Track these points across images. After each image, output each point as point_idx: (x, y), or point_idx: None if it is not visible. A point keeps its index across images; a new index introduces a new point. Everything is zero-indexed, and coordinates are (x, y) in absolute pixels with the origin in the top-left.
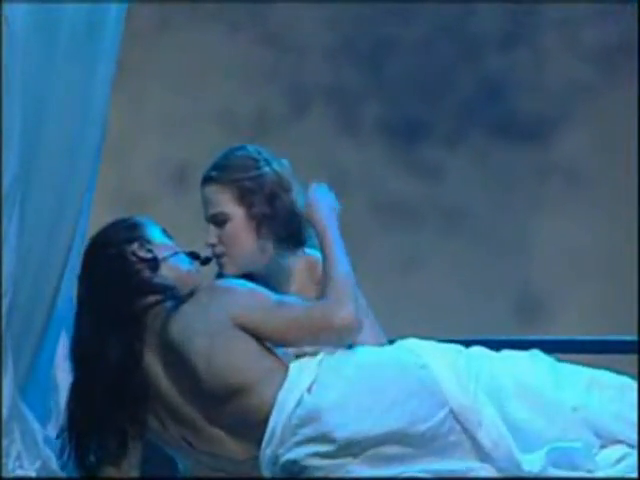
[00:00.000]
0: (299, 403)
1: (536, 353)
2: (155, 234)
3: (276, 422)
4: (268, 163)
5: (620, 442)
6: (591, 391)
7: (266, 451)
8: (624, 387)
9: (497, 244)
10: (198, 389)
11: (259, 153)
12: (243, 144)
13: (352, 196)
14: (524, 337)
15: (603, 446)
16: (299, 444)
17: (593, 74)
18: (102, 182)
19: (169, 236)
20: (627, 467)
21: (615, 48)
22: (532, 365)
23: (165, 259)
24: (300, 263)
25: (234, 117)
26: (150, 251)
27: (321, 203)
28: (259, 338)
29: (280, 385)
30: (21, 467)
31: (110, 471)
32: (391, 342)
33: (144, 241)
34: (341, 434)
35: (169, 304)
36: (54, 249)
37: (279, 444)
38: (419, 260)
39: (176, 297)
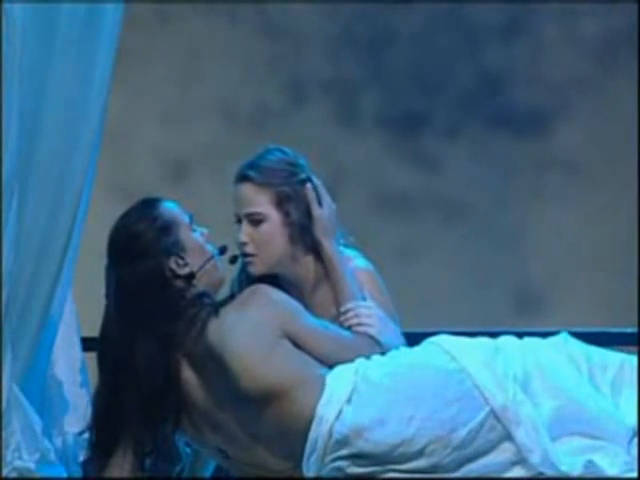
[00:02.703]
0: (339, 416)
1: (567, 338)
2: (186, 234)
3: (317, 435)
4: (304, 169)
5: None
6: (624, 371)
7: (310, 460)
8: None
9: (496, 236)
10: (233, 393)
11: (296, 158)
12: (280, 146)
13: (351, 187)
14: (523, 329)
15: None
16: (343, 458)
17: (592, 66)
18: (100, 173)
19: (195, 226)
20: None
21: (615, 40)
22: (565, 355)
23: (199, 270)
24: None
25: (233, 108)
26: (186, 264)
27: (329, 223)
28: (297, 345)
29: (318, 395)
30: (20, 458)
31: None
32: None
33: (180, 250)
34: (384, 448)
35: (206, 311)
36: (53, 240)
37: (321, 457)
38: (418, 251)
39: (212, 303)
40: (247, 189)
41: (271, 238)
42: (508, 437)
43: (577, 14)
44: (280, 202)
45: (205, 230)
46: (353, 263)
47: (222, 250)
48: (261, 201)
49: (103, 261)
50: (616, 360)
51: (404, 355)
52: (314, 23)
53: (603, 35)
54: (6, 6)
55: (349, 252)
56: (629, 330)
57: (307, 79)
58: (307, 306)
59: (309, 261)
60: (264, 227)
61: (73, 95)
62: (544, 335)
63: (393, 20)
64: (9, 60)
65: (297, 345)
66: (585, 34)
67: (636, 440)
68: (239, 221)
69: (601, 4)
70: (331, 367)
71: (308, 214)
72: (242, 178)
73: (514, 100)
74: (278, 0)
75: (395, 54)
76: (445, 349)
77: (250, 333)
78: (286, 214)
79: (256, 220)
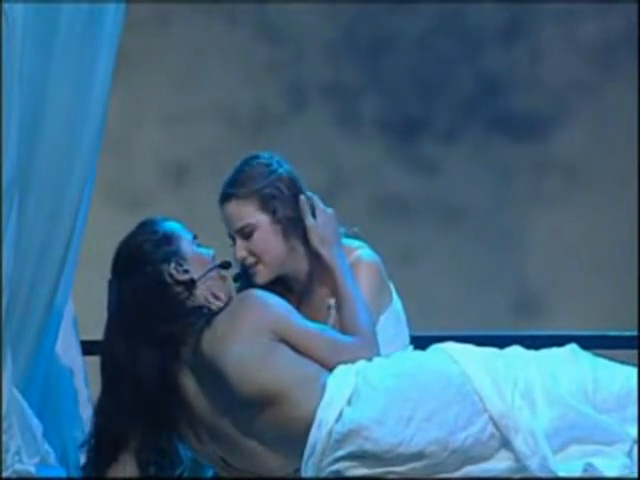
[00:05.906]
0: (339, 417)
1: (576, 350)
2: (188, 246)
3: (316, 438)
4: (281, 165)
5: None
6: (631, 385)
7: (308, 464)
8: None
9: (495, 239)
10: (232, 400)
11: (270, 157)
12: (255, 153)
13: (351, 191)
14: (522, 332)
15: None
16: (341, 459)
17: (592, 69)
18: (100, 176)
19: (199, 242)
20: None
21: (614, 42)
22: (571, 366)
23: (200, 278)
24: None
25: (233, 112)
26: (186, 271)
27: (325, 231)
28: (293, 348)
29: (318, 398)
30: (20, 461)
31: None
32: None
33: (180, 259)
34: (382, 448)
35: (201, 322)
36: (53, 244)
37: (320, 459)
38: (417, 255)
39: (209, 313)
40: (232, 206)
41: (267, 242)
42: (507, 444)
43: (576, 16)
44: (265, 204)
45: (212, 251)
46: (356, 254)
47: (225, 265)
48: (247, 212)
49: (103, 264)
50: (623, 374)
51: (406, 357)
52: (314, 27)
53: (603, 37)
54: (6, 6)
55: (354, 243)
56: (629, 333)
57: (307, 83)
58: (307, 294)
59: (304, 251)
60: (257, 235)
61: (73, 97)
62: (543, 338)
63: (392, 24)
64: (9, 61)
65: (293, 348)
66: (584, 36)
67: (636, 447)
68: (234, 240)
69: (601, 5)
70: (331, 370)
71: (293, 206)
72: (225, 198)
73: (513, 103)
74: (278, 2)
75: (394, 58)
76: (448, 353)
77: (242, 340)
78: (273, 213)
79: (248, 232)
